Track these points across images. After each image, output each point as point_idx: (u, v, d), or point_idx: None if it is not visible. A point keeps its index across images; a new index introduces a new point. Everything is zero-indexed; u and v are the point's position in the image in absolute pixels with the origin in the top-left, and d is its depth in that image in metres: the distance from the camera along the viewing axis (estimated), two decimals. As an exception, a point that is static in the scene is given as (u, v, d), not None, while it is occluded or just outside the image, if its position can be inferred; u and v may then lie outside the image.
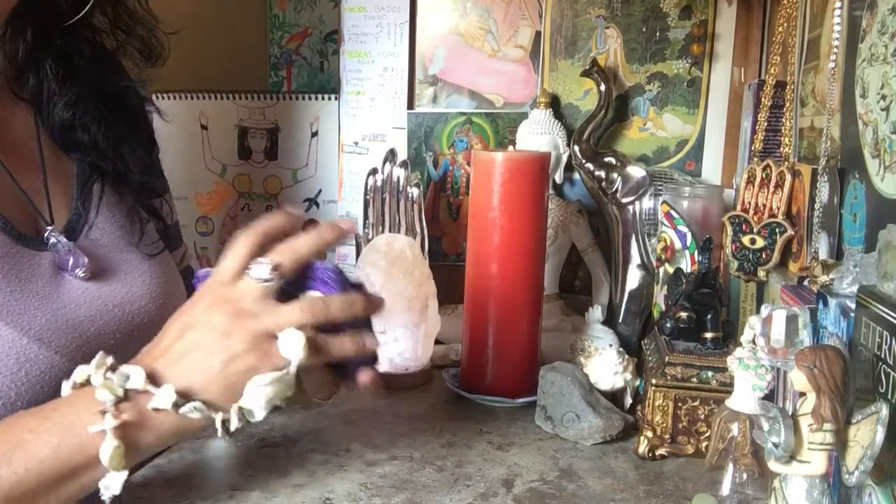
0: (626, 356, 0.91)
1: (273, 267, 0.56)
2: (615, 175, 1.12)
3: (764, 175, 0.90)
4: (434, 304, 1.03)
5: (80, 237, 0.73)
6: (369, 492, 0.72)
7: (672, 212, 1.02)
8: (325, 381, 0.61)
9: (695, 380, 0.80)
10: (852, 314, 0.53)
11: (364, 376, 0.61)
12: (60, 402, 0.56)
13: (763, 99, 0.96)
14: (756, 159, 0.94)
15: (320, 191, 1.36)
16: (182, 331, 0.57)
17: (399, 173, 1.13)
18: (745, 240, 0.90)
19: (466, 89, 1.29)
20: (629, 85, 1.22)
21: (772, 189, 0.88)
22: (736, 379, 0.64)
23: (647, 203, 1.12)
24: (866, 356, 0.50)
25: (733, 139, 1.19)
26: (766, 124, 0.96)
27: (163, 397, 0.54)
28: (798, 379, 0.49)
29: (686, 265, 1.00)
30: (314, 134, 1.35)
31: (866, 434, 0.46)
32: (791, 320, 0.57)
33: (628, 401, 0.90)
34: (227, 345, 0.56)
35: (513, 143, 1.22)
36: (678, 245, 1.02)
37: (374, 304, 0.61)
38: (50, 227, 0.70)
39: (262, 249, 0.58)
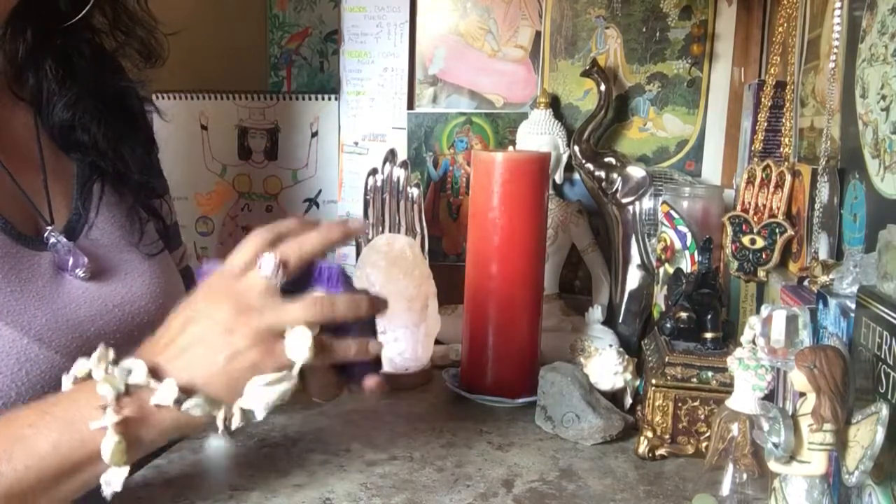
0: (626, 356, 0.91)
1: (279, 263, 0.56)
2: (615, 175, 1.12)
3: (764, 175, 0.90)
4: (434, 304, 1.03)
5: (80, 237, 0.73)
6: (369, 492, 0.72)
7: (672, 212, 1.02)
8: (330, 382, 0.60)
9: (695, 380, 0.80)
10: (852, 314, 0.53)
11: (370, 381, 0.60)
12: (61, 396, 0.55)
13: (763, 99, 0.96)
14: (756, 159, 0.94)
15: (320, 191, 1.36)
16: (185, 325, 0.57)
17: (399, 173, 1.13)
18: (745, 240, 0.90)
19: (466, 89, 1.29)
20: (629, 85, 1.22)
21: (772, 189, 0.88)
22: (736, 379, 0.64)
23: (647, 203, 1.12)
24: (866, 356, 0.50)
25: (733, 139, 1.19)
26: (766, 124, 0.96)
27: (165, 393, 0.53)
28: (798, 379, 0.49)
29: (686, 265, 1.00)
30: (314, 134, 1.35)
31: (866, 434, 0.46)
32: (791, 320, 0.57)
33: (628, 401, 0.90)
34: (229, 341, 0.55)
35: (513, 143, 1.22)
36: (678, 245, 1.02)
37: (379, 304, 0.60)
38: (50, 227, 0.70)
39: (272, 248, 0.57)
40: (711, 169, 1.21)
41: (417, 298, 0.99)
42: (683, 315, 0.83)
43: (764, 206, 0.89)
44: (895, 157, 0.63)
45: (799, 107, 0.93)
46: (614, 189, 1.12)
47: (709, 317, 0.84)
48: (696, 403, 0.80)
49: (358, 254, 1.15)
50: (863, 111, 0.70)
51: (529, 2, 1.24)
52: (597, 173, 1.14)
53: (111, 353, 0.55)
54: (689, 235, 1.01)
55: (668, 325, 0.84)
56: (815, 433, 0.48)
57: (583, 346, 1.04)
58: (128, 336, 0.70)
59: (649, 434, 0.80)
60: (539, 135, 1.19)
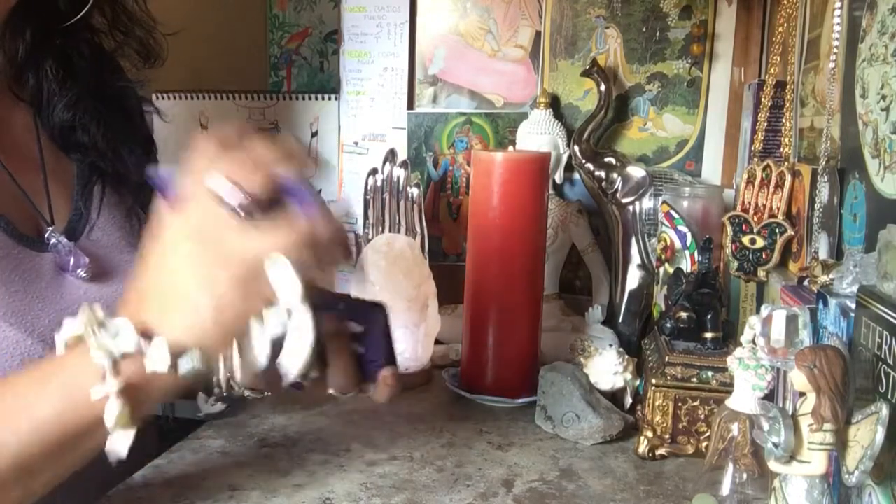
0: (626, 356, 0.91)
1: (241, 186, 0.48)
2: (615, 175, 1.12)
3: (764, 175, 0.90)
4: (434, 304, 1.03)
5: (81, 238, 0.73)
6: (369, 492, 0.72)
7: (672, 212, 1.02)
8: (349, 373, 0.59)
9: (695, 380, 0.80)
10: (852, 314, 0.53)
11: (386, 372, 0.59)
12: (56, 365, 0.52)
13: (763, 99, 0.96)
14: (756, 159, 0.94)
15: (320, 191, 1.36)
16: (159, 273, 0.51)
17: (399, 173, 1.13)
18: (745, 240, 0.90)
19: (466, 89, 1.29)
20: (629, 85, 1.22)
21: (772, 189, 0.88)
22: (736, 379, 0.64)
23: (647, 203, 1.12)
24: (866, 356, 0.50)
25: (733, 139, 1.19)
26: (766, 124, 0.96)
27: (158, 361, 0.49)
28: (798, 379, 0.49)
29: (686, 265, 1.00)
30: (314, 134, 1.35)
31: (866, 434, 0.46)
32: (791, 320, 0.57)
33: (628, 401, 0.90)
34: (211, 292, 0.49)
35: (513, 143, 1.22)
36: (678, 245, 1.02)
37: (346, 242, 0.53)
38: (50, 228, 0.70)
39: (222, 169, 0.49)
40: (711, 169, 1.21)
41: (417, 298, 0.99)
42: (683, 315, 0.83)
43: (764, 206, 0.89)
44: (895, 157, 0.63)
45: (799, 107, 0.93)
46: (614, 189, 1.12)
47: (709, 317, 0.84)
48: (696, 403, 0.80)
49: (358, 254, 1.15)
50: (863, 111, 0.70)
51: (529, 2, 1.24)
52: (597, 173, 1.14)
53: (99, 313, 0.50)
54: (689, 235, 1.01)
55: (668, 325, 0.84)
56: (815, 433, 0.48)
57: (583, 346, 1.04)
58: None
59: (649, 434, 0.80)
60: (539, 135, 1.19)
